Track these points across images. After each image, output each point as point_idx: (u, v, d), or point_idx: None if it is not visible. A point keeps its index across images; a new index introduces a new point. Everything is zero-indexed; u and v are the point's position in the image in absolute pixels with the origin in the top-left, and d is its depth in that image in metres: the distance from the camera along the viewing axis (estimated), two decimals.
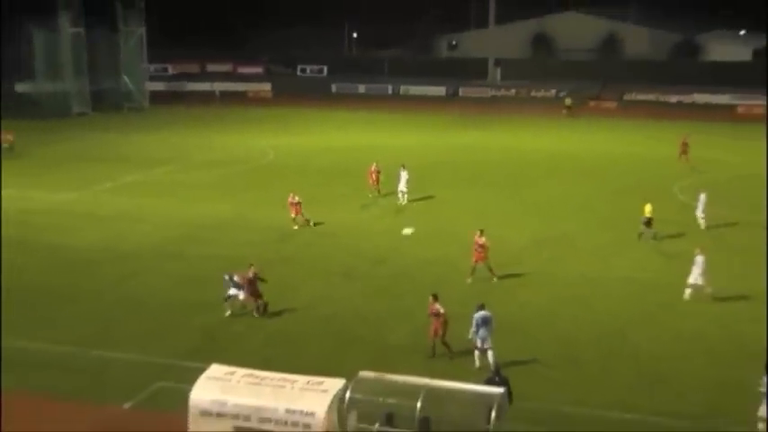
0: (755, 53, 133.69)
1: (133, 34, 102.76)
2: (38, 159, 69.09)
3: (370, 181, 54.47)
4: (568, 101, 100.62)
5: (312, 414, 20.95)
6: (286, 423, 21.09)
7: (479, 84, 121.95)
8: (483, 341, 28.40)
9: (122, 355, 29.44)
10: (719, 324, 32.73)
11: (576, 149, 72.88)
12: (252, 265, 33.59)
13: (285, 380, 22.13)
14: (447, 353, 29.43)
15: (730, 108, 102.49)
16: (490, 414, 21.06)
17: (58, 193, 55.62)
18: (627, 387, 27.43)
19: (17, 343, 30.83)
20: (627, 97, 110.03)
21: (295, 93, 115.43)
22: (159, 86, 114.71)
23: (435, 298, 29.83)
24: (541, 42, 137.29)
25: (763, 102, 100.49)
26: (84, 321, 33.23)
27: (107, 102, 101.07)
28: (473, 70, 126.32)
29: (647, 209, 44.03)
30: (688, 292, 34.53)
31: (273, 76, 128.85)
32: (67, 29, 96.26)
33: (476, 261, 37.56)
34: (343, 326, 31.99)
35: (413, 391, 21.42)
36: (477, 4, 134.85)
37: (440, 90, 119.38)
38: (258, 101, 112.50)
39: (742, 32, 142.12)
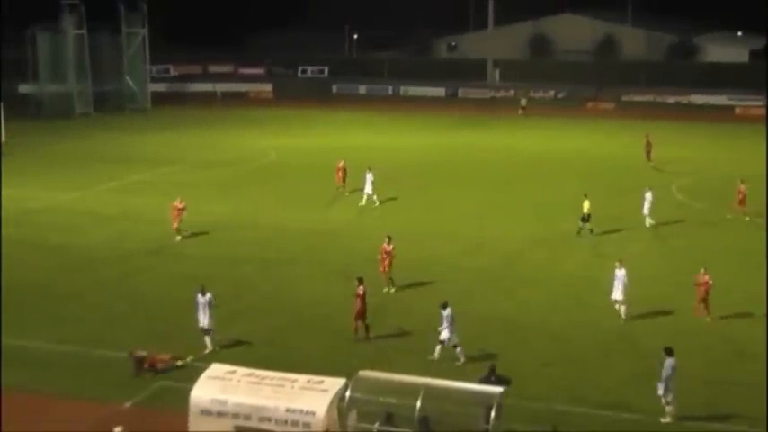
0: (753, 54, 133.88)
1: (135, 36, 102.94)
2: (41, 159, 69.28)
3: (336, 178, 54.80)
4: (524, 101, 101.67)
5: (312, 413, 21.18)
6: (286, 422, 21.31)
7: (478, 85, 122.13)
8: (452, 337, 29.12)
9: (124, 354, 29.65)
10: (718, 324, 32.96)
11: (572, 150, 73.02)
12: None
13: (285, 379, 22.36)
14: (365, 335, 31.04)
15: (728, 109, 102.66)
16: (489, 413, 21.31)
17: (62, 193, 55.87)
18: (624, 385, 27.68)
19: (19, 342, 31.12)
20: (624, 98, 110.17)
21: (296, 94, 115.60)
22: (161, 88, 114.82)
23: (360, 281, 31.15)
24: (539, 44, 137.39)
25: (759, 102, 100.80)
26: (87, 320, 33.51)
27: (109, 103, 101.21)
28: (472, 72, 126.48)
29: (586, 205, 44.86)
30: (620, 309, 33.56)
31: (274, 77, 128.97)
32: (71, 31, 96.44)
33: (382, 270, 36.83)
34: (342, 324, 32.21)
35: (412, 391, 21.65)
36: (476, 5, 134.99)
37: (439, 91, 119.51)
38: (259, 102, 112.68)
39: (739, 33, 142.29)
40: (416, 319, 33.33)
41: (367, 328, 31.26)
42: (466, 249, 43.25)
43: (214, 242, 44.71)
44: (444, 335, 29.17)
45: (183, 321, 32.85)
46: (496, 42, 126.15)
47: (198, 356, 29.50)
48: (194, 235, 45.70)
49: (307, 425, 21.11)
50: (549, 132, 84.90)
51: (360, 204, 51.88)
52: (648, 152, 64.33)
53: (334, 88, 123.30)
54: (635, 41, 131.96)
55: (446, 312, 29.25)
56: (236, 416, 21.66)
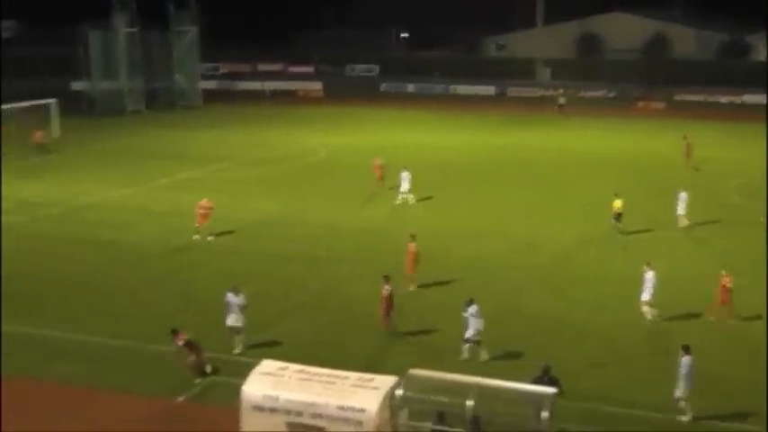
0: None
1: (186, 34, 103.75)
2: (93, 156, 70.08)
3: (376, 176, 54.97)
4: (562, 100, 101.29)
5: (363, 411, 21.18)
6: (338, 419, 21.31)
7: (528, 84, 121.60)
8: (476, 334, 29.12)
9: (174, 349, 29.87)
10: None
11: (624, 149, 72.45)
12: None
13: (337, 376, 22.41)
14: (392, 331, 31.26)
15: None
16: (541, 414, 21.21)
17: (113, 189, 56.46)
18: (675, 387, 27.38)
19: (72, 336, 31.57)
20: (676, 98, 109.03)
21: (344, 92, 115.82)
22: (211, 85, 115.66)
23: (386, 279, 31.40)
24: (588, 42, 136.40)
25: None
26: (139, 315, 33.84)
27: (160, 100, 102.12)
28: (521, 70, 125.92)
29: (617, 204, 44.59)
30: (648, 311, 33.11)
31: (323, 75, 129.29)
32: (122, 29, 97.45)
33: (408, 272, 36.80)
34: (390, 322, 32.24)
35: (463, 390, 21.62)
36: (524, 4, 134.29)
37: (488, 90, 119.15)
38: (308, 100, 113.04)
39: None
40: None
41: (392, 326, 31.39)
42: (515, 248, 43.12)
43: (263, 239, 44.97)
44: (469, 332, 29.21)
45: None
46: (545, 41, 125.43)
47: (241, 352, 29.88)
48: (244, 232, 46.08)
49: (358, 422, 21.12)
50: (598, 131, 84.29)
51: (395, 203, 51.84)
52: (688, 152, 63.60)
53: (383, 86, 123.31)
54: (685, 40, 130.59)
55: (471, 309, 29.25)
56: (287, 412, 21.71)
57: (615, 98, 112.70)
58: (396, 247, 42.51)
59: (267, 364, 23.24)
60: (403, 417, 21.94)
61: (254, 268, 39.71)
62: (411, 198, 51.95)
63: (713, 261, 39.36)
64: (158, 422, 25.51)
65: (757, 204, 49.87)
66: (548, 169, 63.99)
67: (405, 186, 51.84)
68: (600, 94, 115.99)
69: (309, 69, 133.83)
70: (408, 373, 22.43)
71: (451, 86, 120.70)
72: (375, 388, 21.78)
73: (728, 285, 32.66)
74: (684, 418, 25.33)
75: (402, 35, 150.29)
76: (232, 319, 30.28)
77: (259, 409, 22.01)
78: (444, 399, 21.99)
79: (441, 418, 21.87)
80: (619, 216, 44.74)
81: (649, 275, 32.92)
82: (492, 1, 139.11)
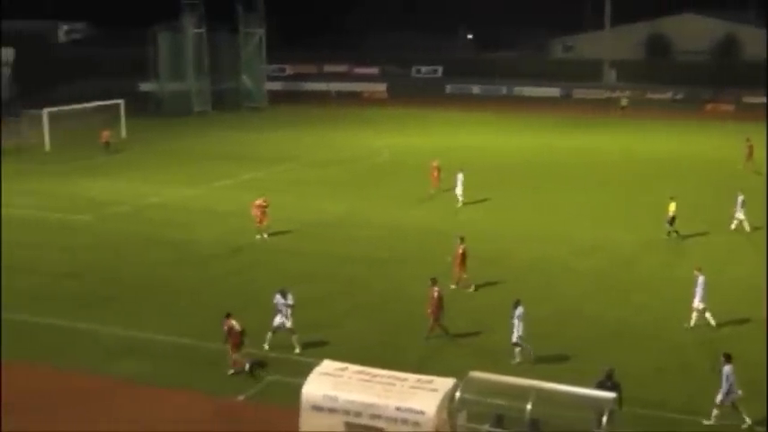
0: None
1: (253, 35, 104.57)
2: (159, 156, 71.01)
3: (432, 178, 54.91)
4: (624, 101, 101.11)
5: (422, 413, 21.17)
6: (396, 421, 21.34)
7: (594, 86, 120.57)
8: (520, 336, 29.12)
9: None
10: None
11: (690, 152, 71.51)
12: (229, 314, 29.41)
13: (396, 377, 22.43)
14: (443, 332, 31.13)
15: None
16: (600, 419, 21.02)
17: (178, 189, 57.14)
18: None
19: (136, 333, 32.01)
20: (745, 100, 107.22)
21: (410, 93, 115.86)
22: (277, 86, 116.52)
23: (434, 282, 31.32)
24: (657, 44, 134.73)
25: None
26: (202, 314, 34.16)
27: (227, 101, 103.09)
28: (588, 72, 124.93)
29: (672, 207, 44.16)
30: (695, 316, 32.50)
31: (388, 76, 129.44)
32: (191, 30, 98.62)
33: (459, 270, 36.73)
34: (451, 324, 32.16)
35: (522, 393, 21.50)
36: (592, 5, 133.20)
37: (554, 91, 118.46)
38: (373, 101, 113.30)
39: None
40: (525, 321, 33.12)
41: (442, 327, 31.29)
42: (577, 251, 42.76)
43: (326, 240, 45.14)
44: (515, 335, 29.12)
45: (295, 317, 33.22)
46: (613, 43, 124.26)
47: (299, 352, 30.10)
48: (307, 232, 46.38)
49: (416, 424, 21.11)
50: (664, 134, 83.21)
51: (456, 206, 51.71)
52: (750, 155, 62.40)
53: (448, 88, 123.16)
54: (757, 41, 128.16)
55: (517, 312, 29.15)
56: (346, 412, 21.79)
57: (683, 100, 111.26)
58: (455, 248, 42.48)
59: (327, 365, 23.35)
60: (461, 419, 21.90)
61: (317, 269, 39.91)
62: (461, 200, 51.83)
63: None
64: (218, 421, 25.74)
65: None
66: (612, 172, 63.38)
67: (459, 188, 51.76)
68: (667, 96, 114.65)
69: (374, 71, 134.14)
70: (468, 375, 22.38)
71: (516, 88, 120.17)
72: (434, 390, 21.77)
73: None
74: (708, 422, 25.10)
75: (468, 36, 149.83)
76: (279, 320, 30.37)
77: (318, 409, 22.12)
78: (503, 402, 21.88)
79: (499, 420, 21.78)
80: (673, 220, 44.23)
81: (700, 280, 32.42)
82: (561, 2, 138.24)
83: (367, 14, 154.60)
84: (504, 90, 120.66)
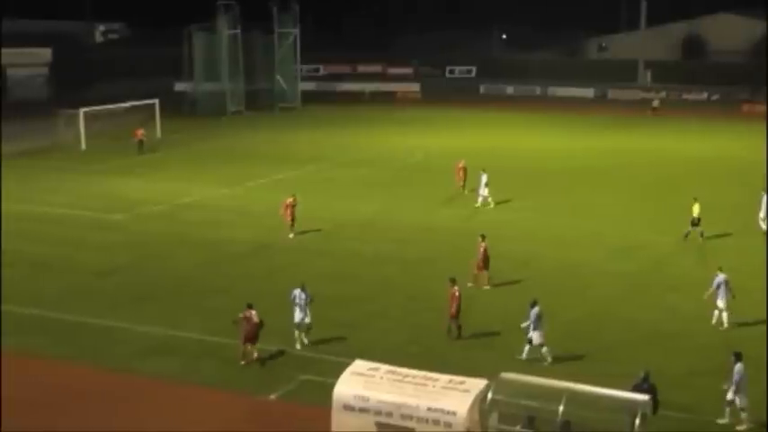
0: None
1: (287, 36, 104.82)
2: (193, 156, 71.42)
3: (457, 178, 55.03)
4: (656, 102, 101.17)
5: (454, 413, 21.16)
6: (427, 421, 21.34)
7: (629, 86, 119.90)
8: (539, 336, 29.25)
9: (269, 347, 30.31)
10: None
11: (727, 153, 70.90)
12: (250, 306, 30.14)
13: (427, 378, 22.42)
14: (457, 334, 31.27)
15: None
16: (633, 421, 20.90)
17: (211, 189, 57.43)
18: None
19: (170, 332, 32.22)
20: None
21: (443, 94, 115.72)
22: (311, 86, 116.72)
23: (453, 282, 31.61)
24: (693, 45, 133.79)
25: None
26: (234, 314, 34.14)
27: (261, 101, 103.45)
28: (622, 72, 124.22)
29: (695, 209, 43.91)
30: (716, 315, 32.62)
31: (422, 77, 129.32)
32: (225, 31, 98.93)
33: (478, 269, 37.21)
34: (484, 325, 32.09)
35: (554, 395, 21.42)
36: (628, 5, 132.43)
37: (588, 92, 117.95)
38: (407, 101, 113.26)
39: None
40: (556, 322, 33.06)
41: (459, 328, 31.44)
42: (613, 253, 42.54)
43: (358, 240, 45.20)
44: (534, 335, 29.22)
45: (327, 317, 33.37)
46: (648, 43, 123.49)
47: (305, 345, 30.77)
48: (339, 232, 46.52)
49: (448, 425, 21.09)
50: (698, 135, 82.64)
51: (475, 206, 51.61)
52: None
53: (482, 88, 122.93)
54: None
55: (534, 311, 29.21)
56: (378, 412, 21.82)
57: (719, 101, 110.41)
58: (490, 250, 42.34)
59: (359, 365, 23.38)
60: (493, 420, 21.86)
61: (348, 269, 39.99)
62: (489, 200, 51.69)
63: None
64: (250, 420, 25.83)
65: None
66: (646, 173, 62.98)
67: (483, 189, 51.66)
68: (702, 96, 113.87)
69: (408, 71, 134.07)
70: (500, 376, 22.34)
71: (550, 88, 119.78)
72: (465, 391, 21.74)
73: None
74: (741, 428, 24.93)
75: (502, 36, 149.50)
76: (299, 316, 30.77)
77: (350, 408, 22.18)
78: (535, 403, 21.80)
79: (530, 422, 21.70)
80: (698, 221, 43.97)
81: (720, 279, 32.48)
82: (596, 2, 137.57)
83: (401, 14, 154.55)
84: (537, 91, 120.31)
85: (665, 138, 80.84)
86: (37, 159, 68.03)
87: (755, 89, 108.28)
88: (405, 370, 22.92)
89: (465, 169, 55.13)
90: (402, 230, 46.98)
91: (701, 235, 44.01)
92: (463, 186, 54.73)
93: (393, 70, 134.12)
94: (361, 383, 22.40)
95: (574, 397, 21.25)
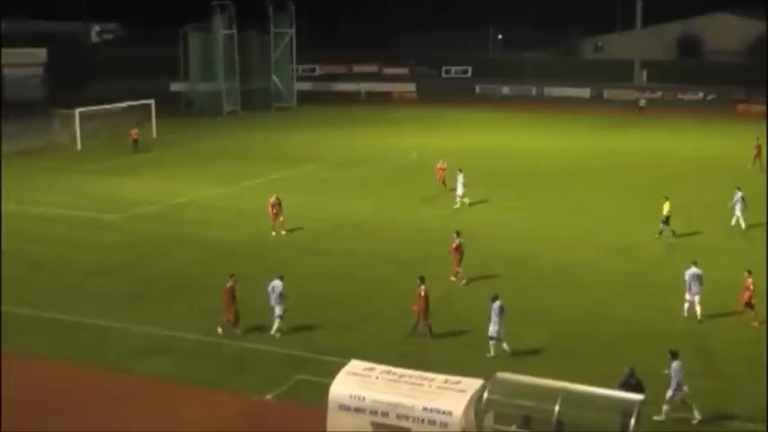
0: None
1: (283, 36, 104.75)
2: (188, 156, 71.36)
3: (437, 178, 55.39)
4: (642, 102, 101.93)
5: (449, 413, 21.16)
6: (423, 421, 21.35)
7: (624, 86, 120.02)
8: (498, 331, 29.60)
9: (265, 347, 30.31)
10: None
11: (720, 153, 70.90)
12: (232, 275, 32.14)
13: (423, 378, 22.42)
14: (427, 334, 31.22)
15: None
16: (628, 421, 20.90)
17: (207, 188, 57.38)
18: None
19: (165, 332, 32.18)
20: None
21: (439, 94, 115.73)
22: (307, 86, 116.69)
23: (422, 281, 31.60)
24: (689, 45, 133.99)
25: None
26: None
27: (257, 101, 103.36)
28: (618, 72, 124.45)
29: (666, 207, 44.50)
30: (686, 307, 33.39)
31: (418, 77, 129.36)
32: (221, 31, 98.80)
33: (455, 267, 37.62)
34: (480, 324, 32.06)
35: (550, 394, 21.42)
36: (623, 5, 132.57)
37: (584, 92, 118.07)
38: (403, 101, 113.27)
39: None
40: (554, 321, 33.09)
41: (424, 326, 31.45)
42: (609, 253, 42.55)
43: (354, 240, 45.17)
44: (492, 329, 29.56)
45: (323, 317, 33.41)
46: (644, 43, 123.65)
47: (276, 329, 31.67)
48: (335, 232, 46.51)
49: (444, 424, 21.10)
50: (695, 135, 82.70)
51: (454, 207, 51.58)
52: (757, 155, 62.68)
53: (478, 88, 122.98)
54: None
55: (495, 305, 29.54)
56: (373, 412, 21.81)
57: (714, 101, 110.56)
58: (484, 250, 42.44)
59: (355, 365, 23.37)
60: (488, 420, 21.85)
61: (343, 269, 39.96)
62: (466, 201, 51.77)
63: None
64: (246, 420, 25.79)
65: None
66: (642, 173, 62.98)
67: (460, 189, 51.68)
68: (698, 96, 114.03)
69: (404, 71, 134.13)
70: (496, 376, 22.34)
71: (546, 89, 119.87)
72: (461, 390, 21.74)
73: (751, 288, 32.56)
74: (658, 417, 25.02)
75: (498, 37, 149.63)
76: (276, 305, 31.62)
77: (345, 408, 22.18)
78: (530, 403, 21.79)
79: (526, 421, 21.69)
80: (667, 219, 44.40)
81: (692, 272, 33.12)
82: (591, 2, 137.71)
83: (397, 14, 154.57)
84: (533, 91, 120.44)
85: (661, 137, 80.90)
86: (32, 159, 67.94)
87: (751, 89, 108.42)
88: (400, 370, 22.92)
89: (444, 170, 55.29)
90: (397, 230, 46.96)
91: (673, 233, 44.29)
92: (444, 184, 54.89)
93: (389, 70, 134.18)
94: (357, 383, 22.38)
95: (569, 397, 21.24)
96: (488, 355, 29.54)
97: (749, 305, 32.62)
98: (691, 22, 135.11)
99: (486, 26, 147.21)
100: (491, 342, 29.67)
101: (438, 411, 21.25)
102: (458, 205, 51.52)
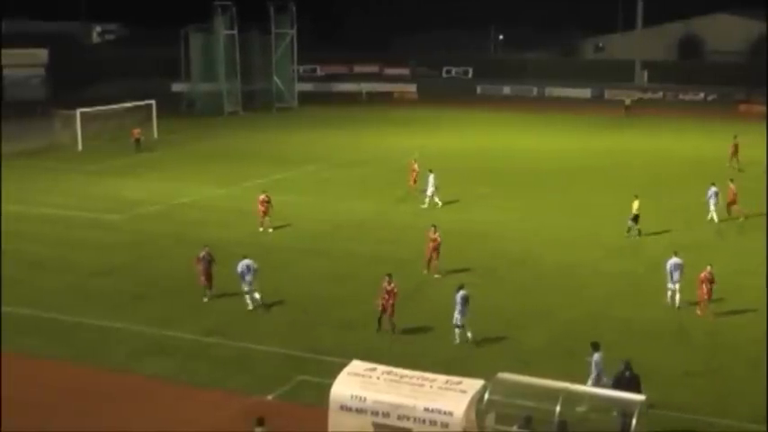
0: None
1: (284, 37, 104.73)
2: (190, 156, 71.36)
3: (410, 178, 55.37)
4: (628, 101, 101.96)
5: (450, 413, 21.15)
6: (424, 421, 21.34)
7: (625, 86, 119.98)
8: (462, 318, 30.62)
9: (265, 348, 30.33)
10: None
11: (721, 154, 70.67)
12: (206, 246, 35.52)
13: (424, 378, 22.43)
14: (391, 330, 31.75)
15: None
16: (629, 420, 20.91)
17: (209, 189, 57.41)
18: None
19: (165, 332, 32.19)
20: None
21: (440, 94, 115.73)
22: (308, 87, 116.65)
23: (389, 277, 32.13)
24: (690, 45, 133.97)
25: None
26: (230, 313, 34.30)
27: (258, 102, 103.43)
28: (619, 73, 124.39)
29: (635, 205, 44.93)
30: (669, 295, 34.53)
31: (419, 77, 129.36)
32: (222, 31, 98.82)
33: (428, 257, 38.75)
34: (480, 325, 32.06)
35: (551, 395, 21.43)
36: (624, 6, 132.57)
37: (585, 92, 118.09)
38: (404, 102, 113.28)
39: None
40: (555, 321, 33.10)
41: (389, 322, 31.89)
42: (609, 253, 42.54)
43: (355, 240, 45.17)
44: (457, 317, 30.56)
45: (324, 317, 33.42)
46: (645, 43, 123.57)
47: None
48: (335, 233, 46.57)
49: (445, 425, 21.10)
50: (696, 135, 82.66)
51: (422, 206, 51.55)
52: (734, 153, 63.14)
53: (479, 89, 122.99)
54: None
55: (459, 294, 30.55)
56: (374, 413, 21.82)
57: (715, 101, 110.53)
58: (484, 250, 42.49)
59: (356, 365, 23.38)
60: (490, 420, 21.86)
61: (344, 269, 39.94)
62: (437, 200, 51.84)
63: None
64: (247, 420, 25.75)
65: None
66: (642, 173, 62.92)
67: (430, 189, 51.80)
68: (699, 97, 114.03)
69: (405, 71, 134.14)
70: (497, 376, 22.35)
71: (547, 89, 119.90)
72: (462, 391, 21.74)
73: (708, 276, 33.43)
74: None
75: (499, 37, 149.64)
76: (248, 283, 34.33)
77: (346, 409, 22.18)
78: (532, 403, 21.80)
79: (527, 422, 21.68)
80: (636, 218, 44.76)
81: (674, 262, 34.13)
82: (592, 2, 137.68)
83: (398, 14, 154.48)
84: (534, 91, 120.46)
85: (662, 138, 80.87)
86: (33, 160, 67.97)
87: (752, 89, 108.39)
88: (402, 370, 22.91)
89: (416, 171, 55.25)
90: (398, 230, 46.94)
91: (638, 233, 44.70)
92: (414, 183, 54.89)
93: (390, 71, 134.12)
94: (358, 384, 22.39)
95: (570, 397, 21.25)
96: (454, 342, 30.50)
97: (708, 297, 33.45)
98: (691, 22, 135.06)
99: (486, 26, 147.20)
100: (456, 330, 30.54)
101: (439, 412, 21.25)
102: (426, 205, 51.64)
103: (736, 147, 63.54)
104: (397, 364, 23.80)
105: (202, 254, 35.58)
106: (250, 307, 34.23)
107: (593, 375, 25.31)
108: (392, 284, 31.77)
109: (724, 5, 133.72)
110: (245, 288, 34.40)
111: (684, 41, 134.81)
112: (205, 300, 35.21)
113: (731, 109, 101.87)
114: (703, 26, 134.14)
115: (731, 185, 48.48)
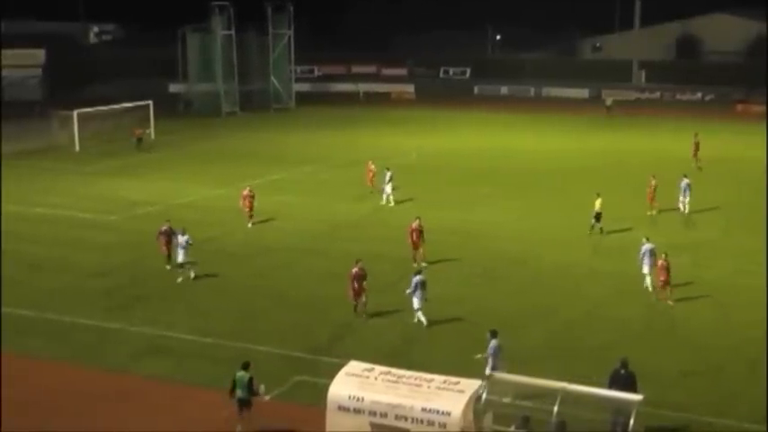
0: None
1: (281, 37, 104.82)
2: (187, 156, 71.39)
3: (367, 178, 56.18)
4: (609, 101, 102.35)
5: (448, 414, 21.17)
6: (422, 422, 21.36)
7: (623, 86, 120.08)
8: (420, 301, 32.18)
9: (263, 348, 30.33)
10: None
11: (720, 154, 70.91)
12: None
13: (422, 379, 22.44)
14: (363, 315, 33.27)
15: None
16: (627, 420, 20.93)
17: (206, 189, 57.44)
18: None
19: (162, 332, 32.21)
20: None
21: (437, 95, 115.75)
22: (305, 87, 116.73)
23: (357, 262, 33.66)
24: (687, 45, 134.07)
25: None
26: (228, 313, 34.33)
27: (255, 102, 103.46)
28: (617, 73, 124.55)
29: (597, 203, 45.50)
30: (647, 280, 35.84)
31: (416, 78, 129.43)
32: (219, 32, 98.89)
33: (413, 247, 39.89)
34: (479, 325, 32.08)
35: (549, 395, 21.46)
36: (622, 6, 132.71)
37: (582, 92, 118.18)
38: (401, 102, 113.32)
39: None
40: (553, 321, 33.12)
41: (363, 305, 33.36)
42: (608, 253, 42.57)
43: (353, 240, 45.12)
44: (415, 301, 32.17)
45: (322, 317, 33.42)
46: (642, 43, 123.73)
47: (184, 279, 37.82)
48: (333, 233, 46.58)
49: (442, 425, 21.12)
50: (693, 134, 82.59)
51: (380, 203, 52.12)
52: (695, 151, 64.16)
53: (476, 89, 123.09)
54: None
55: (416, 279, 32.32)
56: (372, 413, 21.83)
57: (713, 101, 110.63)
58: (483, 250, 42.51)
59: (354, 366, 23.39)
60: (487, 420, 21.88)
61: (342, 269, 39.72)
62: (391, 198, 52.53)
63: None
64: (245, 420, 25.76)
65: None
66: (640, 173, 62.72)
67: (388, 188, 52.47)
68: (696, 97, 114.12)
69: (403, 72, 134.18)
70: (494, 376, 22.38)
71: (545, 89, 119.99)
72: (460, 391, 21.75)
73: (665, 264, 34.50)
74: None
75: (496, 37, 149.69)
76: (182, 256, 37.86)
77: (344, 409, 22.19)
78: (529, 403, 21.84)
79: (525, 422, 21.71)
80: (598, 216, 45.21)
81: (646, 247, 35.55)
82: (589, 2, 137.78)
83: (396, 15, 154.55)
84: (532, 91, 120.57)
85: (660, 138, 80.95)
86: (31, 160, 67.99)
87: (750, 89, 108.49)
88: (399, 371, 22.94)
89: (372, 171, 55.90)
90: (396, 230, 46.80)
91: (601, 230, 45.11)
92: (371, 184, 55.50)
93: (387, 71, 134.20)
94: (356, 384, 22.40)
95: (568, 397, 21.27)
96: (413, 321, 32.19)
97: (666, 284, 34.44)
98: (689, 22, 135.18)
99: (484, 27, 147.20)
100: (418, 313, 32.06)
101: (437, 412, 21.26)
102: (384, 202, 52.43)
103: (697, 145, 64.43)
104: (397, 365, 23.85)
105: (164, 228, 39.42)
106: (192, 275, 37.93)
107: (490, 362, 25.70)
108: (357, 266, 33.28)
109: (721, 5, 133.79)
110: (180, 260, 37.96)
111: (682, 41, 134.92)
112: (168, 267, 39.03)
113: (728, 109, 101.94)
114: (701, 26, 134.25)
115: (652, 181, 49.96)
